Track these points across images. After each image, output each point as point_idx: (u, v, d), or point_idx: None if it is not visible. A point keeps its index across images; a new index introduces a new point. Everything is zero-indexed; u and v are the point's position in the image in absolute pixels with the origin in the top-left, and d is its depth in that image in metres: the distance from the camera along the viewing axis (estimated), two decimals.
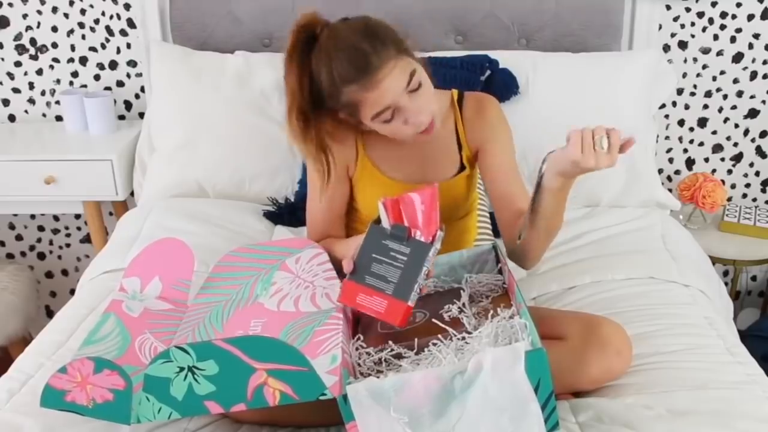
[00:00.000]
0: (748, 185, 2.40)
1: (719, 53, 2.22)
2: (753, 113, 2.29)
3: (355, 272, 1.19)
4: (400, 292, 1.15)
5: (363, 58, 1.23)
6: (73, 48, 2.28)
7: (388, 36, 1.26)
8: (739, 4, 2.16)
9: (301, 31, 1.29)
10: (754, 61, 2.23)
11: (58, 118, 2.35)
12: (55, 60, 2.29)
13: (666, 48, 2.21)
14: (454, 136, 1.45)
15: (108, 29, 2.25)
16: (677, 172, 2.38)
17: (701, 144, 2.34)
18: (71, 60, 2.29)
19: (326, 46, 1.26)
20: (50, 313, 2.61)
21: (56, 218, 2.50)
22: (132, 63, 2.29)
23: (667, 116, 2.31)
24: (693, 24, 2.19)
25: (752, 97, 2.27)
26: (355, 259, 1.19)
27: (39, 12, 2.24)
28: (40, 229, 2.52)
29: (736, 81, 2.25)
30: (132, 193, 2.18)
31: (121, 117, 2.35)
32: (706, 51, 2.22)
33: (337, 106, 1.30)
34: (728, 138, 2.33)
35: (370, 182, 1.45)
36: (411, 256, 1.17)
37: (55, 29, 2.26)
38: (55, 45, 2.27)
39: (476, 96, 1.48)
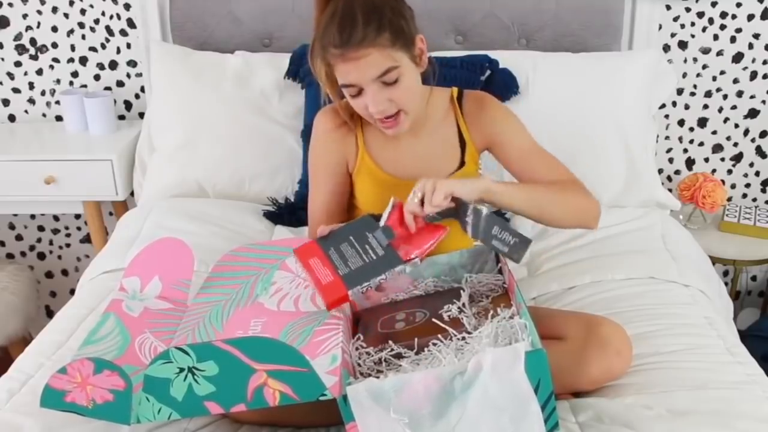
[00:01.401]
0: (748, 185, 2.40)
1: (719, 53, 2.22)
2: (753, 113, 2.29)
3: (325, 239, 1.20)
4: (349, 279, 1.15)
5: (350, 29, 1.22)
6: (73, 48, 2.28)
7: (393, 24, 1.25)
8: (739, 4, 2.16)
9: None
10: (754, 61, 2.23)
11: (58, 118, 2.35)
12: (55, 60, 2.29)
13: (666, 48, 2.21)
14: (455, 133, 1.46)
15: (108, 29, 2.25)
16: (677, 172, 2.38)
17: (701, 144, 2.34)
18: (71, 60, 2.29)
19: (338, 3, 1.26)
20: (50, 313, 2.61)
21: (56, 218, 2.50)
22: (132, 63, 2.29)
23: (667, 116, 2.31)
24: (693, 24, 2.19)
25: (752, 97, 2.27)
26: (334, 230, 1.21)
27: (39, 12, 2.24)
28: (40, 229, 2.52)
29: (736, 81, 2.25)
30: (132, 193, 2.18)
31: (121, 117, 2.35)
32: (706, 51, 2.22)
33: (322, 58, 1.29)
34: (728, 138, 2.33)
35: (368, 178, 1.45)
36: (381, 259, 1.17)
37: (55, 29, 2.26)
38: (55, 45, 2.27)
39: (475, 94, 1.49)
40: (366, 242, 1.20)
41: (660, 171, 2.33)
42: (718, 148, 2.34)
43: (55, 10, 2.23)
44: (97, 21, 2.24)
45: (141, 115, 2.33)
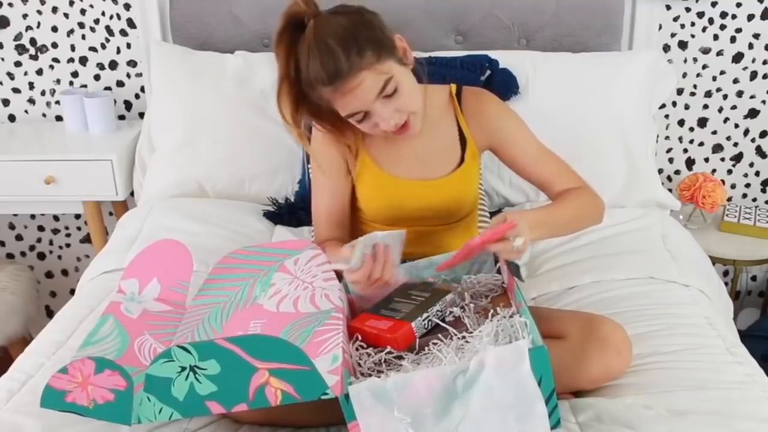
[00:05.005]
0: (748, 185, 2.40)
1: (719, 53, 2.22)
2: (753, 113, 2.29)
3: (371, 307, 1.25)
4: (408, 318, 1.17)
5: (334, 64, 1.21)
6: (73, 48, 2.27)
7: (370, 39, 1.23)
8: (739, 4, 2.16)
9: (289, 19, 1.26)
10: (754, 61, 2.23)
11: (58, 118, 2.35)
12: (55, 60, 2.29)
13: (666, 48, 2.22)
14: (455, 130, 1.46)
15: (108, 29, 2.25)
16: (677, 172, 2.38)
17: (701, 144, 2.34)
18: (71, 60, 2.29)
19: (309, 40, 1.24)
20: (50, 313, 2.61)
21: (56, 218, 2.50)
22: (132, 63, 2.29)
23: (667, 116, 2.31)
24: (693, 24, 2.19)
25: (752, 97, 2.27)
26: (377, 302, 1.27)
27: (39, 12, 2.24)
28: (40, 229, 2.52)
29: (736, 81, 2.25)
30: (132, 193, 2.18)
31: (121, 117, 2.35)
32: (706, 51, 2.22)
33: (316, 99, 1.30)
34: (728, 138, 2.33)
35: (370, 178, 1.45)
36: (429, 298, 1.21)
37: (55, 29, 2.26)
38: (55, 45, 2.27)
39: (474, 90, 1.49)
40: (410, 296, 1.24)
41: (660, 171, 2.33)
42: (718, 148, 2.35)
43: (55, 10, 2.23)
44: (97, 21, 2.24)
45: (141, 115, 2.33)
